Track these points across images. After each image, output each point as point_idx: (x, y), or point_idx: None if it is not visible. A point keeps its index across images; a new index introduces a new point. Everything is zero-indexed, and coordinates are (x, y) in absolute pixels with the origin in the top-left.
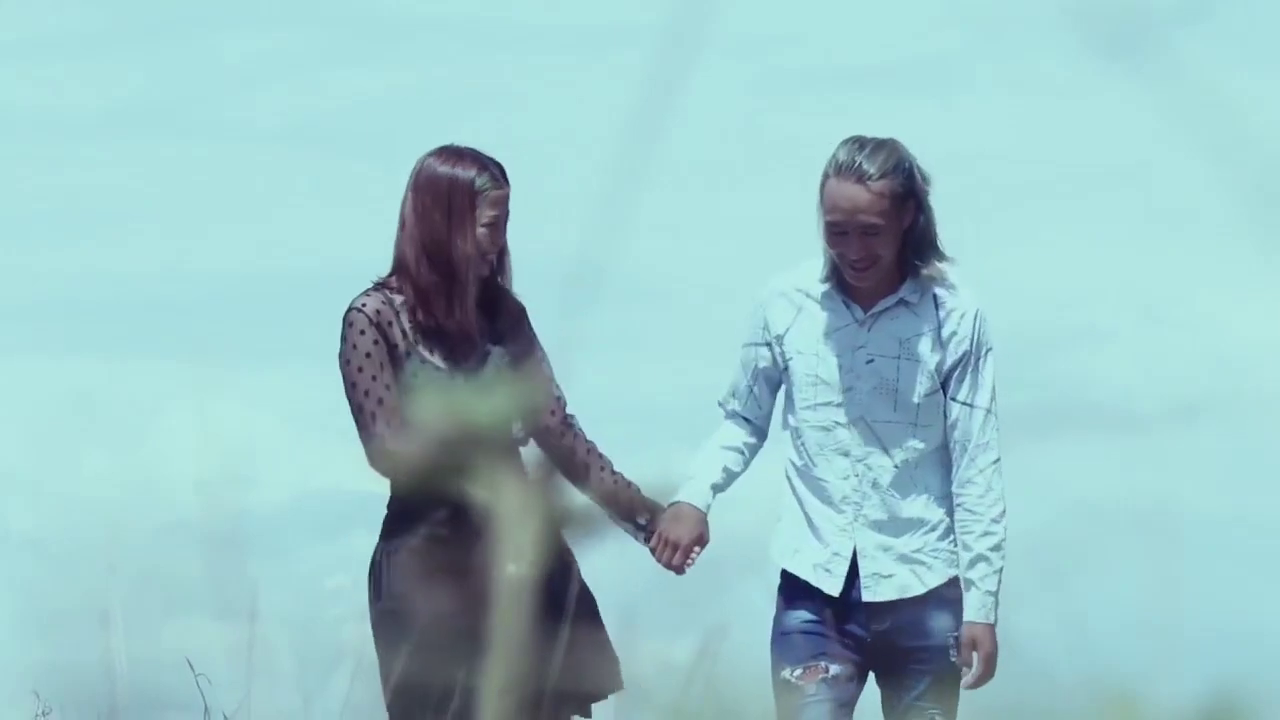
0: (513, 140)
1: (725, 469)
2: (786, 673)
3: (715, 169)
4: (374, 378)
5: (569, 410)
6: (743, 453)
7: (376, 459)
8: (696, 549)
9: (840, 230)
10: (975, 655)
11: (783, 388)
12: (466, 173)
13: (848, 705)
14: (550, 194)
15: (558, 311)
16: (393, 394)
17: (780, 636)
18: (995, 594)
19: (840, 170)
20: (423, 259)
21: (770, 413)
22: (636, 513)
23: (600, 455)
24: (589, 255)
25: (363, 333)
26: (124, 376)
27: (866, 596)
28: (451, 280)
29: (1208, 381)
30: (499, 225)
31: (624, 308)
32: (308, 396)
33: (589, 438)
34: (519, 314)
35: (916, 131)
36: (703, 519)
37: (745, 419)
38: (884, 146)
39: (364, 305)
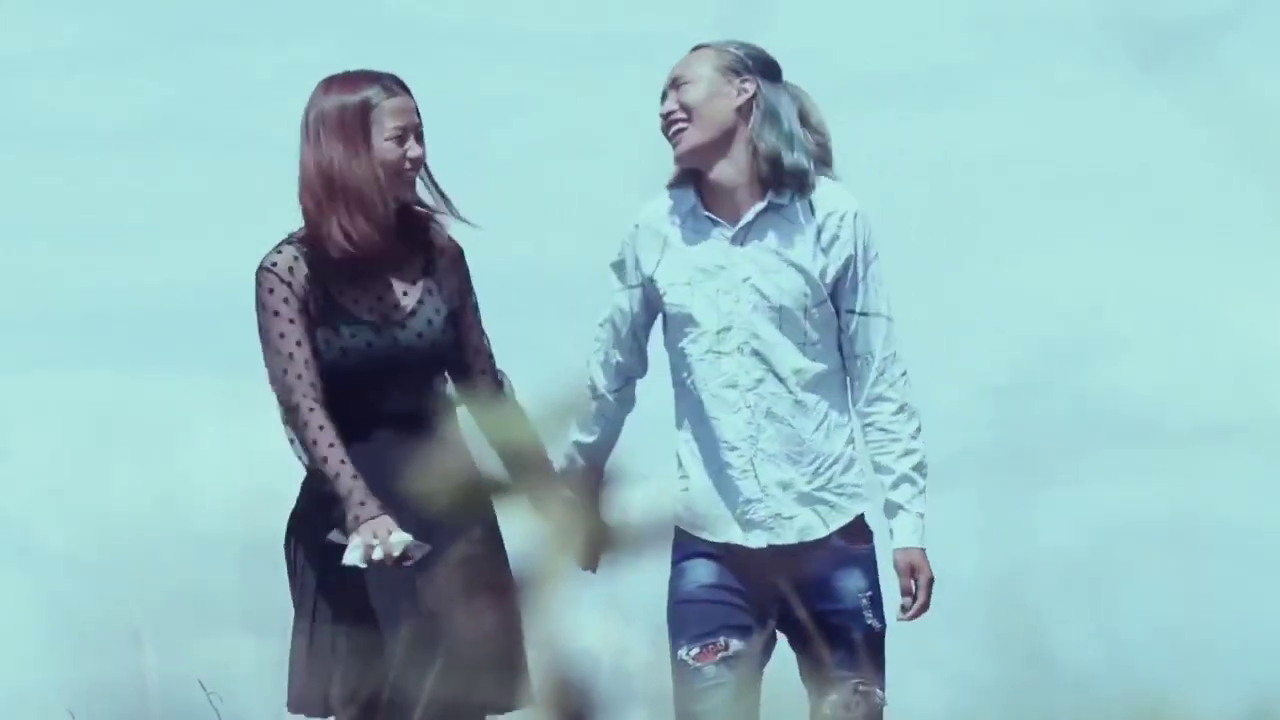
0: (533, 148)
1: (587, 449)
2: (683, 652)
3: None
4: (282, 335)
5: (498, 366)
6: (607, 418)
7: (282, 404)
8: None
9: (663, 98)
10: (915, 583)
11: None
12: (355, 93)
13: (753, 682)
14: (568, 201)
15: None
16: (304, 350)
17: (675, 607)
18: (922, 515)
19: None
20: (323, 196)
21: (641, 358)
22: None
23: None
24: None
25: (271, 291)
26: (154, 390)
27: (767, 539)
28: (358, 207)
29: (1238, 392)
30: (404, 137)
31: None
32: None
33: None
34: (456, 255)
35: (940, 140)
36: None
37: (616, 370)
38: (751, 43)
39: (274, 264)
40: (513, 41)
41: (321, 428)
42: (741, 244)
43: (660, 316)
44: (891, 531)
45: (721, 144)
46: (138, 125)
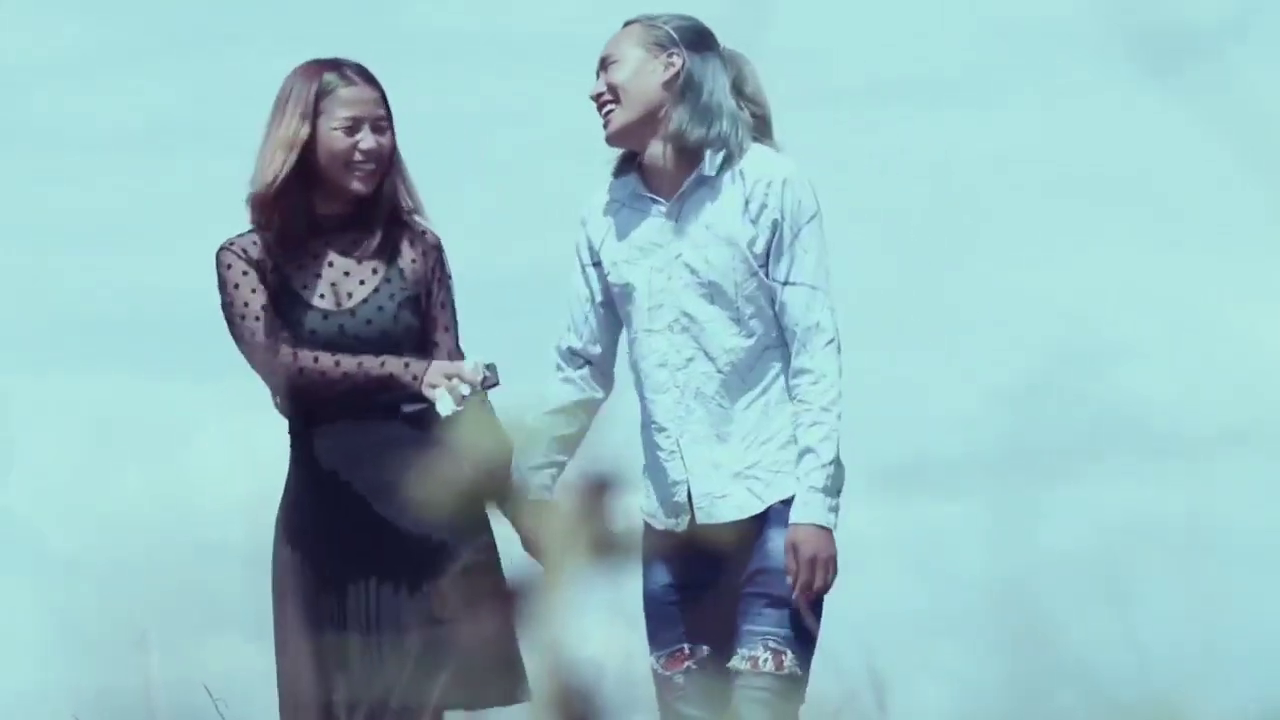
0: (539, 155)
1: (557, 441)
2: (653, 660)
3: None
4: (246, 304)
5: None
6: (574, 415)
7: (265, 371)
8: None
9: (594, 86)
10: (796, 560)
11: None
12: (313, 78)
13: (721, 681)
14: (568, 203)
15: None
16: (270, 312)
17: (646, 606)
18: (824, 490)
19: None
20: (276, 182)
21: (613, 340)
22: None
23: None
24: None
25: (229, 266)
26: (161, 395)
27: (701, 519)
28: (305, 192)
29: (1245, 395)
30: (355, 128)
31: None
32: None
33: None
34: (430, 245)
35: (942, 141)
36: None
37: (579, 356)
38: (683, 15)
39: (232, 243)
40: (516, 43)
41: (316, 359)
42: (676, 219)
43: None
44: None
45: (649, 121)
46: (139, 127)
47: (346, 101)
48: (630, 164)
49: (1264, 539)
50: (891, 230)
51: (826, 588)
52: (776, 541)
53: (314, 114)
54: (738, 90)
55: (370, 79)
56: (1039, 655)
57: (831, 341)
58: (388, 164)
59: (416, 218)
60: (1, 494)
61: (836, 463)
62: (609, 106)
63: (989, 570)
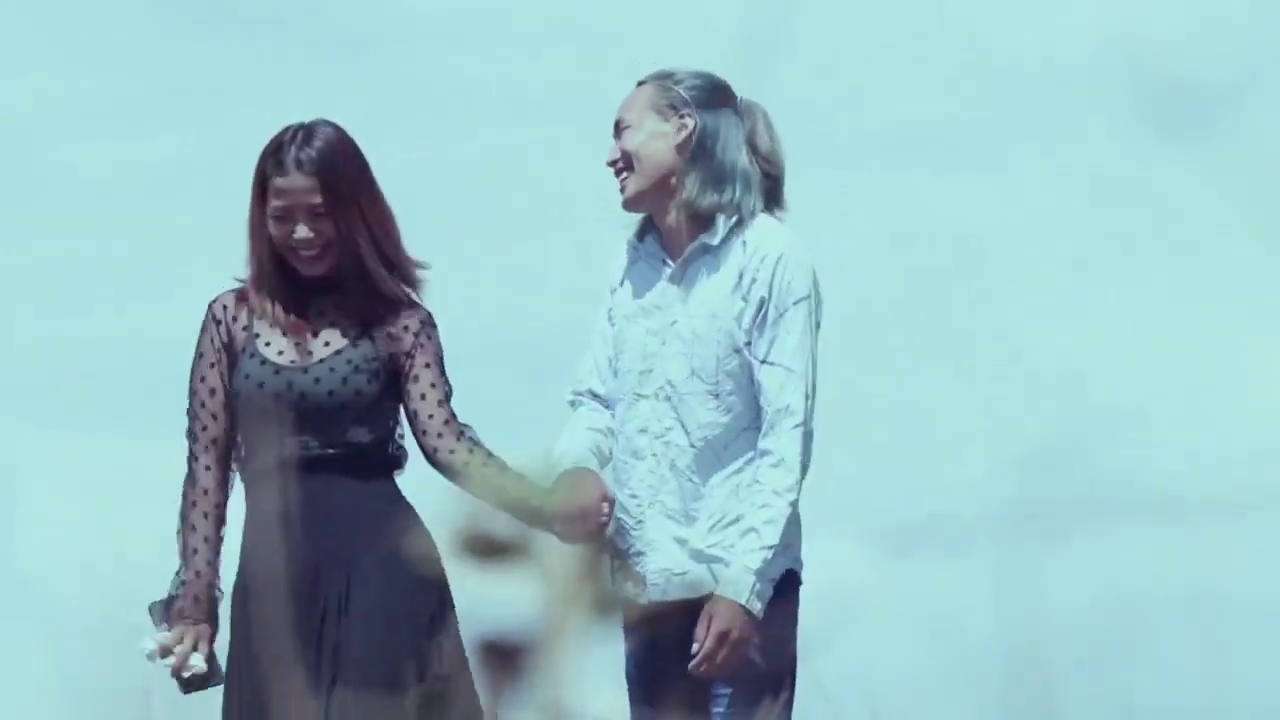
0: (557, 205)
1: (596, 446)
2: None
3: None
4: (202, 379)
5: (461, 426)
6: (607, 435)
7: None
8: (605, 506)
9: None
10: (707, 631)
11: None
12: (260, 163)
13: None
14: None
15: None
16: (214, 400)
17: (625, 679)
18: (757, 572)
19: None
20: (248, 252)
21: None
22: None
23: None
24: None
25: (203, 329)
26: (167, 451)
27: (654, 595)
28: (259, 274)
29: (1260, 464)
30: (286, 219)
31: None
32: None
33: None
34: (413, 323)
35: (959, 201)
36: (597, 477)
37: (600, 400)
38: (696, 71)
39: (214, 300)
40: (524, 90)
41: (190, 489)
42: (679, 284)
43: None
44: None
45: (663, 187)
46: (146, 179)
47: (278, 191)
48: (651, 227)
49: (1273, 603)
50: (905, 294)
51: (730, 668)
52: None
53: (261, 199)
54: (751, 147)
55: (306, 165)
56: (1046, 718)
57: (798, 426)
58: (337, 247)
59: (406, 289)
60: (5, 546)
61: (778, 549)
62: (624, 173)
63: (996, 632)
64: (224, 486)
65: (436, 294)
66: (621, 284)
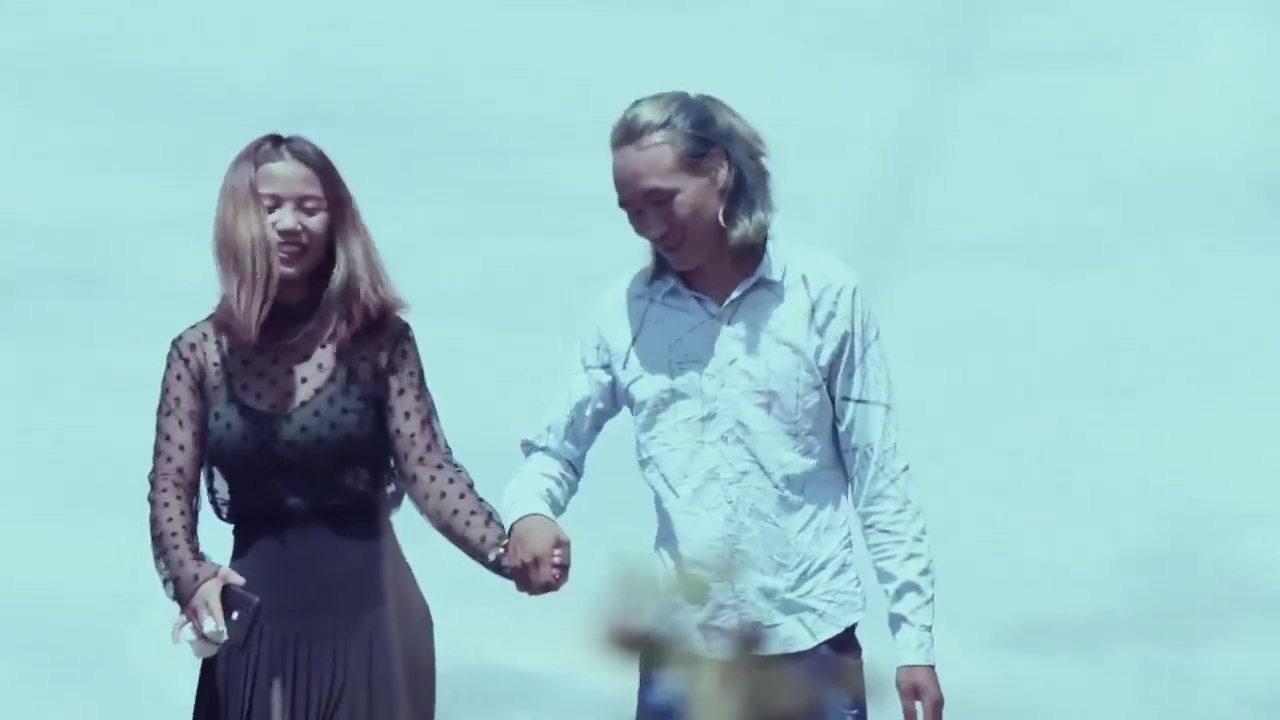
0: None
1: (548, 491)
2: None
3: None
4: (168, 412)
5: (445, 453)
6: (561, 484)
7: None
8: (558, 553)
9: (634, 209)
10: (919, 705)
11: (622, 422)
12: (248, 156)
13: None
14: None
15: None
16: (172, 444)
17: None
18: (929, 629)
19: (614, 138)
20: (219, 267)
21: (586, 453)
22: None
23: (473, 501)
24: None
25: (169, 367)
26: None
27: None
28: (240, 279)
29: None
30: (281, 205)
31: None
32: None
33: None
34: (390, 338)
35: (1072, 304)
36: (549, 522)
37: (556, 455)
38: (662, 98)
39: (180, 337)
40: (552, 124)
41: (157, 517)
42: (729, 323)
43: (627, 405)
44: (896, 647)
45: (716, 236)
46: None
47: (269, 177)
48: (668, 267)
49: None
50: (1028, 396)
51: None
52: (829, 697)
53: (255, 193)
54: (746, 147)
55: (295, 152)
56: None
57: (907, 469)
58: (320, 247)
59: (383, 293)
60: None
61: (935, 599)
62: (682, 242)
63: None
64: (192, 517)
65: None
66: (636, 339)
